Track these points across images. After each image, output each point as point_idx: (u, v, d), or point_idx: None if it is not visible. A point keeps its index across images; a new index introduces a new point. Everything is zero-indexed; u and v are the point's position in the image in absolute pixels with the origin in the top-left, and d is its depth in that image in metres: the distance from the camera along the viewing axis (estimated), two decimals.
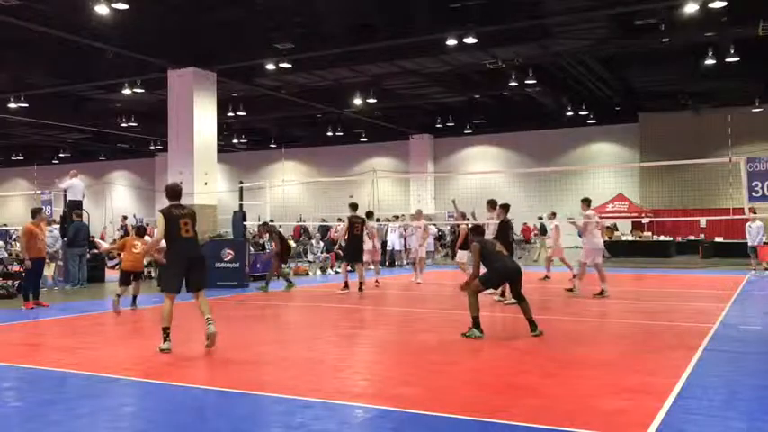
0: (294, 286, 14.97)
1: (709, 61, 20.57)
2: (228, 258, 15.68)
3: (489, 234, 11.54)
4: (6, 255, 17.29)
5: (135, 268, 11.95)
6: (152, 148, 40.31)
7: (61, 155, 42.55)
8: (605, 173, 32.80)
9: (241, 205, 17.56)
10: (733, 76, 23.55)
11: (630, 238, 27.88)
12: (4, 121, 29.99)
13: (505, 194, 32.87)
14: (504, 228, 11.89)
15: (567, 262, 16.22)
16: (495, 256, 8.74)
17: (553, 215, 17.29)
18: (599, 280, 12.83)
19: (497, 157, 36.51)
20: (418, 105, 30.97)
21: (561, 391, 5.79)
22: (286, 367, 6.99)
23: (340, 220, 22.87)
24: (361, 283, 14.08)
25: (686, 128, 29.50)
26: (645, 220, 27.16)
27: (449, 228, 27.48)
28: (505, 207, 12.21)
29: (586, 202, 13.46)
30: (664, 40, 19.11)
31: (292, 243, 23.83)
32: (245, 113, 28.85)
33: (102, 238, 24.89)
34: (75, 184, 17.16)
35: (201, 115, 21.22)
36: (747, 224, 18.41)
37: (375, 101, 26.82)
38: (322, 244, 23.26)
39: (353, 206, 14.72)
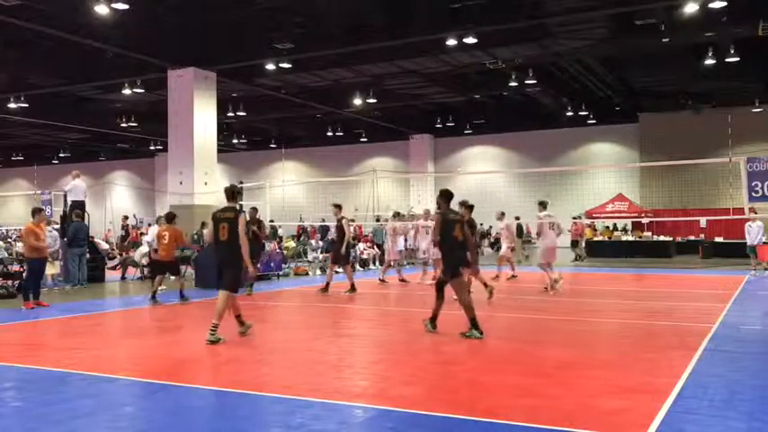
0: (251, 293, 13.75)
1: (709, 61, 20.56)
2: None
3: None
4: (6, 255, 17.27)
5: (163, 259, 12.28)
6: (152, 148, 40.32)
7: (61, 155, 42.47)
8: (605, 173, 32.82)
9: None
10: (733, 76, 23.55)
11: (630, 238, 27.87)
12: (4, 121, 30.00)
13: (506, 194, 33.42)
14: (469, 226, 12.21)
15: (513, 263, 17.32)
16: (449, 236, 8.76)
17: (502, 215, 17.34)
18: (547, 276, 13.64)
19: (497, 157, 36.47)
20: (418, 105, 30.95)
21: (561, 391, 5.79)
22: (286, 367, 7.00)
23: (353, 220, 22.41)
24: (352, 285, 14.09)
25: (686, 128, 29.45)
26: (645, 220, 27.14)
27: None
28: (470, 207, 12.47)
29: (542, 204, 14.30)
30: (664, 40, 19.09)
31: (292, 243, 23.83)
32: (245, 113, 28.86)
33: (106, 239, 24.81)
34: (76, 185, 17.13)
35: (201, 115, 21.22)
36: (747, 224, 18.41)
37: (375, 101, 26.81)
38: (322, 244, 23.23)
39: (339, 207, 14.60)
